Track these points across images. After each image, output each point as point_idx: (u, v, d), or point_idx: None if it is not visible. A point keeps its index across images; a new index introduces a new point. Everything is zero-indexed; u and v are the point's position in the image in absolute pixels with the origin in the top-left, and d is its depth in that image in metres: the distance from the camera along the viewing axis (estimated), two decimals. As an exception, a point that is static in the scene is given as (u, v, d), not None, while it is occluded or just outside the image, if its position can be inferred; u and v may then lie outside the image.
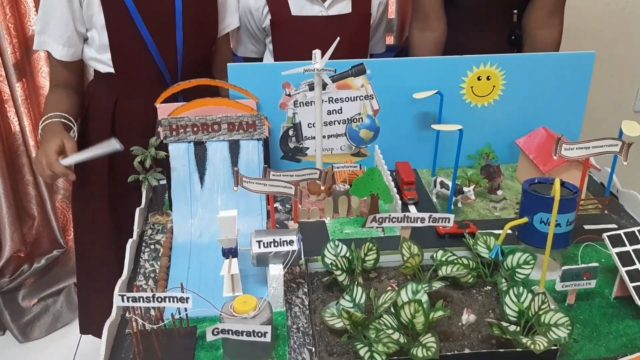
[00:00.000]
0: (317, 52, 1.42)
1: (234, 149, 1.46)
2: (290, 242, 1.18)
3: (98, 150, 1.45)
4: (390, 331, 1.02)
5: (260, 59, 1.95)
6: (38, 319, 2.57)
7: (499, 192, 1.58)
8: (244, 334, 1.01)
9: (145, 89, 1.61)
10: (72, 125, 1.60)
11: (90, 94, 1.71)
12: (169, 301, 1.03)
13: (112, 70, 1.62)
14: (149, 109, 1.51)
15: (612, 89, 2.68)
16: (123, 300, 1.03)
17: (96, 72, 1.68)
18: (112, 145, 1.43)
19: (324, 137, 1.66)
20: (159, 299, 1.03)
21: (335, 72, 1.45)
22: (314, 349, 1.09)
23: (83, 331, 1.99)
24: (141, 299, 1.03)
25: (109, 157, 1.68)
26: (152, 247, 1.39)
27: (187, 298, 1.02)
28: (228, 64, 1.55)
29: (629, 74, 2.68)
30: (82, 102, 1.71)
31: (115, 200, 1.70)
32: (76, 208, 1.84)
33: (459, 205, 1.52)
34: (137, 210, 1.44)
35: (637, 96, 2.75)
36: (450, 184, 1.50)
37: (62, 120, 1.58)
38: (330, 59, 1.43)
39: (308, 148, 1.68)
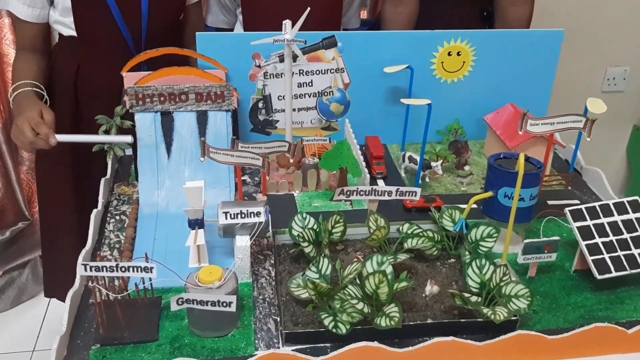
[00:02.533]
0: (287, 23, 1.40)
1: (202, 119, 1.45)
2: (257, 214, 1.17)
3: (108, 138, 1.41)
4: (354, 301, 1.03)
5: (231, 30, 1.92)
6: (3, 292, 2.53)
7: (467, 168, 1.60)
8: (209, 303, 1.01)
9: (108, 55, 1.58)
10: (44, 94, 1.55)
11: (54, 58, 1.66)
12: (133, 271, 1.02)
13: (74, 33, 1.58)
14: (112, 76, 1.48)
15: (581, 69, 2.71)
16: (86, 270, 1.01)
17: (60, 35, 1.64)
18: (124, 138, 1.39)
19: (294, 110, 1.65)
20: (123, 269, 1.01)
21: (305, 44, 1.43)
22: (279, 319, 1.09)
23: (48, 294, 1.97)
24: (104, 269, 1.01)
25: (71, 124, 1.65)
26: (117, 217, 1.37)
27: (151, 268, 1.02)
28: (197, 33, 1.52)
29: (598, 55, 2.72)
30: (47, 67, 1.66)
31: (79, 170, 1.67)
32: (39, 178, 1.80)
33: (427, 180, 1.54)
34: (102, 180, 1.42)
35: (604, 77, 2.79)
36: (418, 159, 1.51)
37: (35, 89, 1.53)
38: (302, 31, 1.41)
39: (278, 121, 1.66)
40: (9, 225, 2.57)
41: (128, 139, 1.37)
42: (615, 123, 2.89)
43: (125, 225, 1.34)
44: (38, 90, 1.54)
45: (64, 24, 1.59)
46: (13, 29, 2.26)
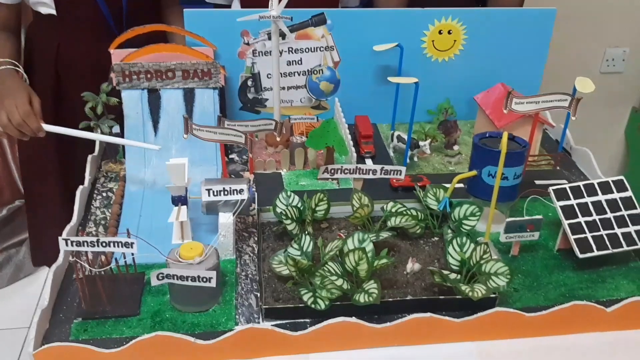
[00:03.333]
0: (274, -1, 1.39)
1: (189, 97, 1.44)
2: (240, 191, 1.18)
3: (97, 137, 1.42)
4: (334, 277, 1.04)
5: (229, 7, 1.89)
6: (0, 269, 2.56)
7: (456, 147, 1.59)
8: (189, 279, 1.02)
9: (88, 32, 1.57)
10: (24, 74, 1.54)
11: (31, 39, 1.65)
12: (114, 246, 1.02)
13: (53, 11, 1.57)
14: (93, 53, 1.48)
15: (579, 49, 2.69)
16: (67, 245, 1.02)
17: (37, 13, 1.62)
18: (115, 140, 1.40)
19: (283, 88, 1.65)
20: (104, 244, 1.02)
21: (292, 20, 1.42)
22: (259, 295, 1.10)
23: (36, 263, 1.99)
24: (85, 244, 1.02)
25: (53, 104, 1.64)
26: (104, 194, 1.38)
27: (132, 243, 1.02)
28: (185, 10, 1.51)
29: (597, 35, 2.69)
30: (20, 47, 1.65)
31: (65, 147, 1.67)
32: (23, 154, 1.80)
33: (415, 159, 1.54)
34: (89, 157, 1.42)
35: (603, 57, 2.76)
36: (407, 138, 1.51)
37: (14, 67, 1.52)
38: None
39: (267, 99, 1.66)
40: (6, 202, 2.59)
41: (121, 141, 1.38)
42: (613, 104, 2.87)
43: (111, 202, 1.35)
44: (17, 69, 1.52)
45: (43, 3, 1.57)
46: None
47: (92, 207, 1.34)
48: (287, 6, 1.40)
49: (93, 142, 1.50)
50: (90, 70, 1.53)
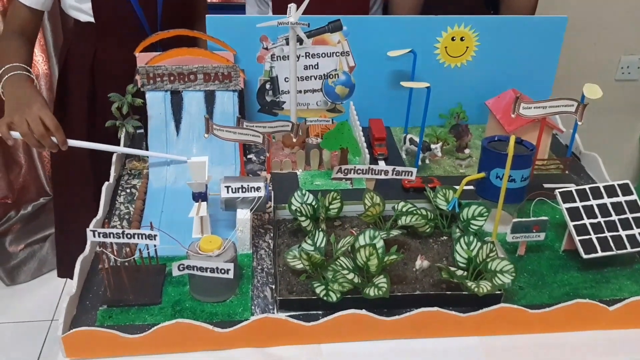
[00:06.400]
0: (292, 6, 1.45)
1: (210, 99, 1.51)
2: (258, 189, 1.23)
3: (122, 150, 1.48)
4: (345, 272, 1.09)
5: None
6: (24, 264, 2.65)
7: (467, 151, 1.64)
8: (208, 270, 1.08)
9: (125, 40, 1.63)
10: (35, 80, 1.50)
11: (69, 44, 1.73)
12: (138, 238, 1.09)
13: (92, 19, 1.64)
14: (128, 60, 1.54)
15: (594, 57, 2.70)
16: (94, 236, 1.09)
17: (76, 21, 1.69)
18: (136, 152, 1.47)
19: (300, 92, 1.71)
20: (128, 235, 1.09)
21: (309, 27, 1.48)
22: (274, 287, 1.16)
23: (61, 274, 2.05)
24: (111, 235, 1.09)
25: (87, 108, 1.71)
26: (127, 191, 1.45)
27: (155, 235, 1.08)
28: (207, 15, 1.58)
29: (612, 43, 2.71)
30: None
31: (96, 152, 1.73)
32: (55, 154, 1.86)
33: (427, 162, 1.58)
34: (114, 155, 1.49)
35: (619, 65, 2.78)
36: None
37: (29, 74, 1.47)
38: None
39: (284, 102, 1.72)
40: (31, 200, 2.68)
41: (141, 152, 1.44)
42: (629, 112, 2.88)
43: (135, 198, 1.41)
44: (30, 74, 1.48)
45: (81, 10, 1.64)
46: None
47: (116, 202, 1.40)
48: (314, 13, 1.44)
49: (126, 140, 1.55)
50: (125, 74, 1.55)
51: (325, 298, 1.08)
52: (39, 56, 2.42)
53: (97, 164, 1.77)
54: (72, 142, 1.38)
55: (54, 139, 1.36)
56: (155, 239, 1.09)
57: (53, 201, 1.99)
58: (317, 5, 1.49)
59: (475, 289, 1.08)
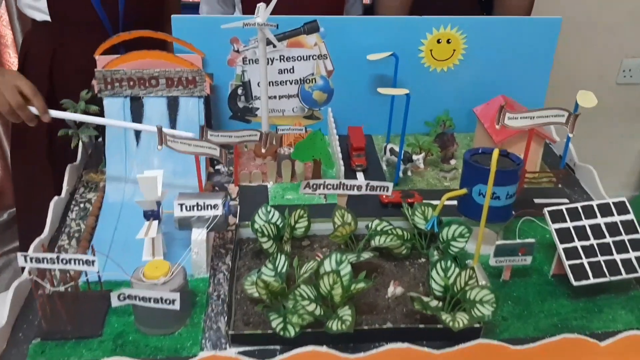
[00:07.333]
0: (261, 6, 1.34)
1: (173, 105, 1.40)
2: (215, 207, 1.12)
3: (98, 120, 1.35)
4: (305, 302, 0.98)
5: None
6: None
7: (452, 162, 1.52)
8: (151, 300, 0.96)
9: (84, 38, 1.52)
10: None
11: (28, 44, 1.62)
12: (74, 263, 0.98)
13: (48, 18, 1.53)
14: (89, 59, 1.43)
15: (595, 60, 2.59)
16: (25, 261, 0.98)
17: (33, 20, 1.59)
18: (111, 122, 1.35)
19: (275, 97, 1.59)
20: (64, 261, 0.97)
21: (277, 28, 1.36)
22: (227, 319, 1.04)
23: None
24: (45, 260, 0.97)
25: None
26: (81, 205, 1.34)
27: (93, 261, 0.97)
28: (172, 15, 1.47)
29: (613, 46, 2.59)
30: None
31: (55, 156, 1.63)
32: (15, 164, 1.76)
33: (408, 174, 1.47)
34: (68, 167, 1.38)
35: (620, 68, 2.66)
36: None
37: None
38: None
39: (258, 108, 1.61)
40: (7, 208, 2.58)
41: (121, 123, 1.32)
42: (630, 116, 2.76)
43: (88, 214, 1.30)
44: None
45: (37, 9, 1.54)
46: (7, 9, 2.25)
47: (67, 218, 1.29)
48: (287, 13, 1.33)
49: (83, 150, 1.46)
50: (85, 76, 1.45)
51: (282, 333, 0.96)
52: (13, 58, 2.33)
53: (57, 171, 1.67)
54: (54, 113, 1.30)
55: (32, 109, 1.27)
56: (93, 265, 0.98)
57: (16, 212, 1.88)
58: (287, 5, 1.38)
59: (451, 323, 0.96)
